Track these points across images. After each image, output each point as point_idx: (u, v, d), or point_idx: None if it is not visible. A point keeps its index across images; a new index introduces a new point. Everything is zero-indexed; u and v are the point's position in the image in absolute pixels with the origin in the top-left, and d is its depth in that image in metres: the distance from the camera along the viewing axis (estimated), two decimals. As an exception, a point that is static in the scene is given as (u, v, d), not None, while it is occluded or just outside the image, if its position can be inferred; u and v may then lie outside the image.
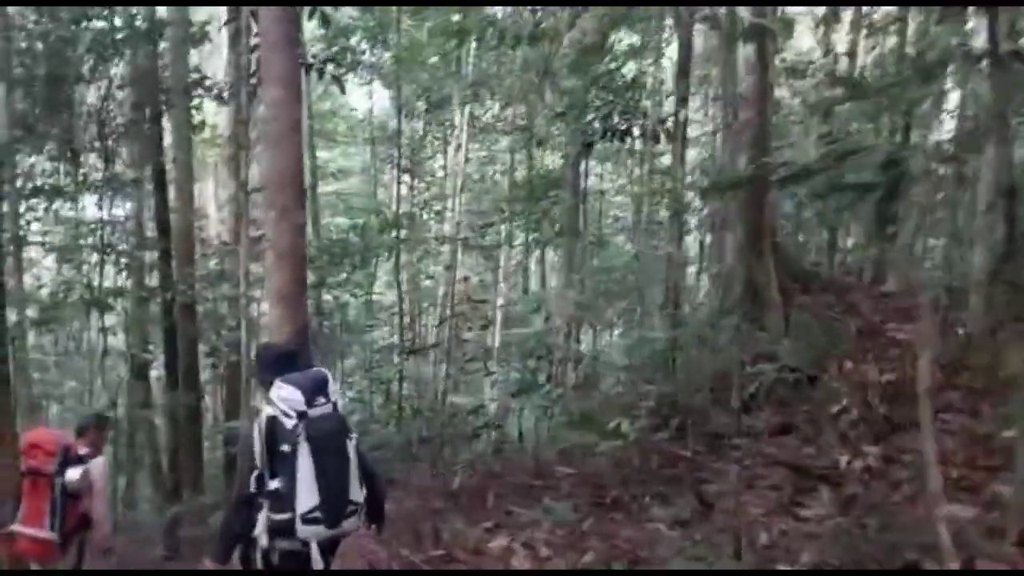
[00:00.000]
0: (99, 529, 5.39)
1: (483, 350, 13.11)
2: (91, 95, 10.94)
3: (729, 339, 7.80)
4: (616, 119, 12.35)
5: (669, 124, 11.69)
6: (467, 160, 17.96)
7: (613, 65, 12.19)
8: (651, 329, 10.07)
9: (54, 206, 11.55)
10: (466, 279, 16.43)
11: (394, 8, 14.36)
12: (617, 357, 10.70)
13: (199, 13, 12.28)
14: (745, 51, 8.68)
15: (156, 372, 14.66)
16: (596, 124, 12.96)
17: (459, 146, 17.19)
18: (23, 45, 9.52)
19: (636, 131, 12.20)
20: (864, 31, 13.60)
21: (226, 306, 14.11)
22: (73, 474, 5.15)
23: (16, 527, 5.11)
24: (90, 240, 12.25)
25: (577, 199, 13.58)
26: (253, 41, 7.83)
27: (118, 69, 10.74)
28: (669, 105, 12.45)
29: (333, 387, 3.87)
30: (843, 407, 6.84)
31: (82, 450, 5.40)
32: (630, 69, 13.04)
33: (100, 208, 11.48)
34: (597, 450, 6.52)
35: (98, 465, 5.41)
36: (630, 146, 13.57)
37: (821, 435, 6.75)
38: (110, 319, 14.47)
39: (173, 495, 11.63)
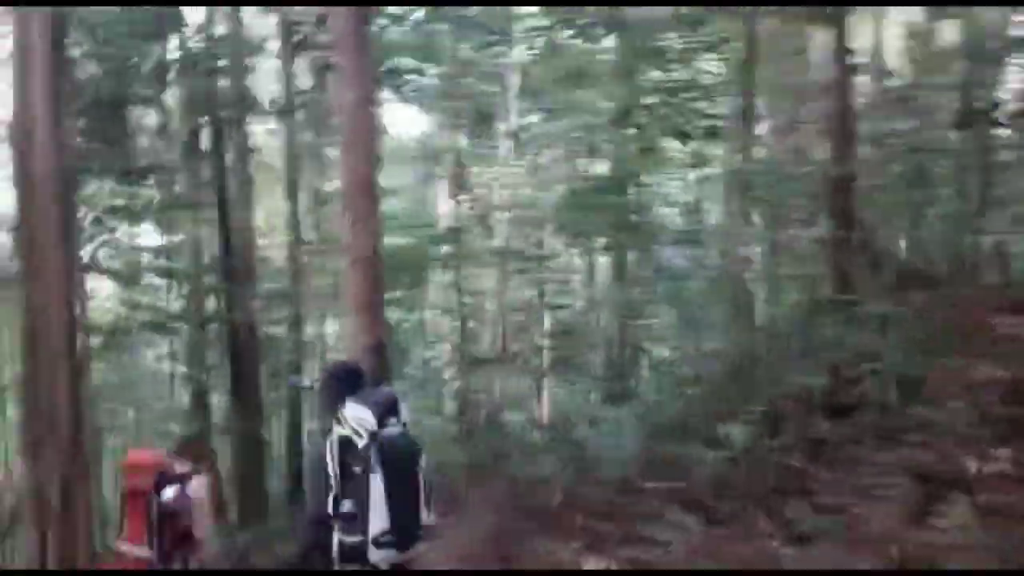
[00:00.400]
0: (202, 548, 5.25)
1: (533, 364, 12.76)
2: (149, 118, 10.81)
3: (822, 340, 7.30)
4: (673, 121, 12.01)
5: (728, 123, 11.30)
6: (516, 172, 17.72)
7: (670, 67, 11.85)
8: (714, 337, 9.52)
9: (116, 232, 11.45)
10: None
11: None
12: (688, 366, 10.14)
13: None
14: (821, 39, 8.24)
15: (216, 398, 14.49)
16: (654, 128, 12.65)
17: (507, 159, 16.92)
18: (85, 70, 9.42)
19: (696, 132, 11.84)
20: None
21: (285, 329, 13.98)
22: (169, 493, 5.08)
23: (120, 546, 5.19)
24: (151, 264, 12.13)
25: (630, 205, 13.20)
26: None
27: (175, 92, 10.60)
28: (722, 106, 12.05)
29: (404, 406, 3.74)
30: (958, 408, 6.29)
31: (180, 469, 5.30)
32: (687, 69, 12.62)
33: (161, 233, 11.29)
34: (701, 461, 6.03)
35: (199, 484, 5.30)
36: (689, 148, 13.13)
37: (938, 439, 6.18)
38: (167, 345, 14.39)
39: (240, 523, 11.37)
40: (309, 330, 14.74)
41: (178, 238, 12.46)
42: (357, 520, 3.48)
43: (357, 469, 3.50)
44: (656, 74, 11.68)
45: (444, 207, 18.78)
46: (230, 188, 11.08)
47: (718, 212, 15.25)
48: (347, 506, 3.52)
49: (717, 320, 8.72)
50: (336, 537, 3.56)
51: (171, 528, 5.16)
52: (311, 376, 13.41)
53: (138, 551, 5.19)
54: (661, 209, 17.02)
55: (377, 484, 3.45)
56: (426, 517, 3.61)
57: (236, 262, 11.34)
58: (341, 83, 6.40)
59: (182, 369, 13.88)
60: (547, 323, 15.00)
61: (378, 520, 3.44)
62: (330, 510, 3.56)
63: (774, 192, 8.80)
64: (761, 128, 11.02)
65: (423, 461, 3.64)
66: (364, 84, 6.33)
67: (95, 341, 11.33)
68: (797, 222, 8.88)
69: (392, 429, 3.59)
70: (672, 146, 15.54)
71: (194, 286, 12.32)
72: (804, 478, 5.95)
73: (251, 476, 11.33)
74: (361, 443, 3.51)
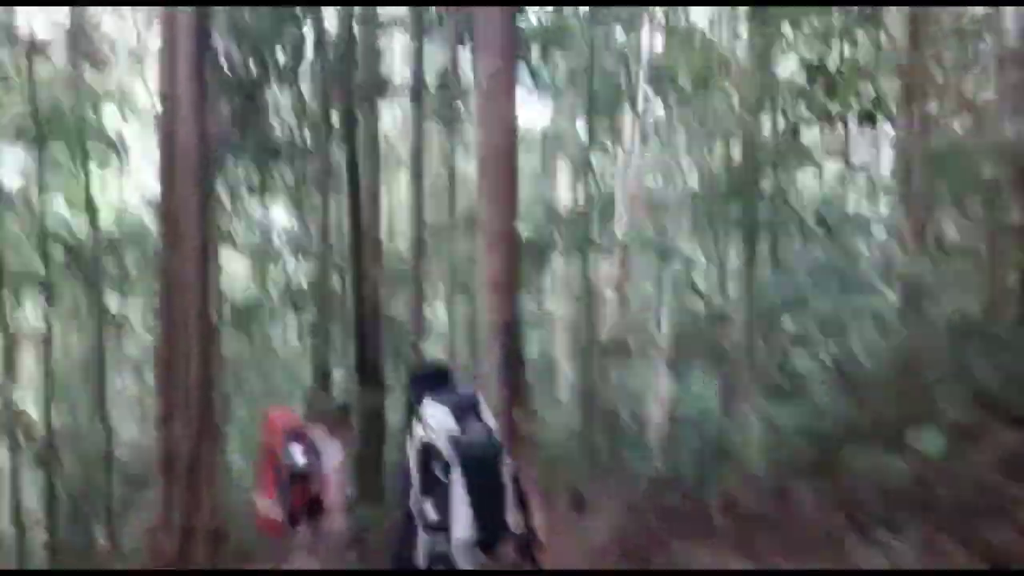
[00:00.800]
0: (330, 516, 5.19)
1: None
2: (284, 97, 10.80)
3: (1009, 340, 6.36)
4: (824, 103, 11.04)
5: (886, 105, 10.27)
6: (642, 159, 17.04)
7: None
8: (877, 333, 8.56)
9: (248, 208, 11.59)
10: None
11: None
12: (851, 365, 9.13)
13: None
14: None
15: (337, 375, 14.55)
16: (802, 110, 11.72)
17: (632, 146, 16.29)
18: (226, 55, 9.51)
19: (851, 114, 10.85)
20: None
21: (406, 309, 13.87)
22: (299, 456, 4.95)
23: (256, 499, 5.21)
24: (283, 240, 12.22)
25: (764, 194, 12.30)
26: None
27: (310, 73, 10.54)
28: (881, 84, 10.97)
29: (486, 407, 3.61)
30: None
31: (315, 434, 5.20)
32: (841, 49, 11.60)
33: (293, 212, 11.29)
34: (880, 469, 5.28)
35: (332, 453, 5.11)
36: (838, 132, 12.11)
37: None
38: (295, 322, 14.54)
39: (358, 498, 11.26)
40: (429, 312, 14.61)
41: (308, 217, 12.45)
42: (440, 523, 3.40)
43: (438, 472, 3.41)
44: (802, 53, 10.70)
45: (568, 194, 18.33)
46: (361, 169, 10.90)
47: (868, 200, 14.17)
48: (430, 509, 3.43)
49: (880, 314, 7.88)
50: (422, 539, 3.47)
51: (300, 491, 5.06)
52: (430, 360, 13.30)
53: (270, 508, 5.16)
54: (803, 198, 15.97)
55: (458, 487, 3.34)
56: (514, 520, 3.48)
57: (364, 242, 11.19)
58: (480, 54, 6.00)
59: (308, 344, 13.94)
60: (675, 314, 14.29)
61: (461, 524, 3.35)
62: (414, 512, 3.48)
63: (955, 176, 7.81)
64: (930, 108, 9.94)
65: (507, 463, 3.50)
66: (504, 54, 5.91)
67: (228, 314, 11.51)
68: (981, 208, 7.86)
69: (472, 431, 3.45)
70: (812, 134, 14.60)
71: (322, 264, 12.28)
72: (1001, 495, 5.11)
73: (371, 454, 11.18)
74: (440, 445, 3.41)
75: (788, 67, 13.63)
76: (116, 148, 15.41)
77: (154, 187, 18.46)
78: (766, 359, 8.03)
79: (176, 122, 7.85)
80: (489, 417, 3.57)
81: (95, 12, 14.88)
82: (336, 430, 5.46)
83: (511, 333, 5.95)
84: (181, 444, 7.53)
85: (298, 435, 5.04)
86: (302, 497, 5.10)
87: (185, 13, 7.87)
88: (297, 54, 10.52)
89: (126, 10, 16.53)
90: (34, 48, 12.59)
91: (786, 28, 12.70)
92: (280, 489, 5.04)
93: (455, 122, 12.26)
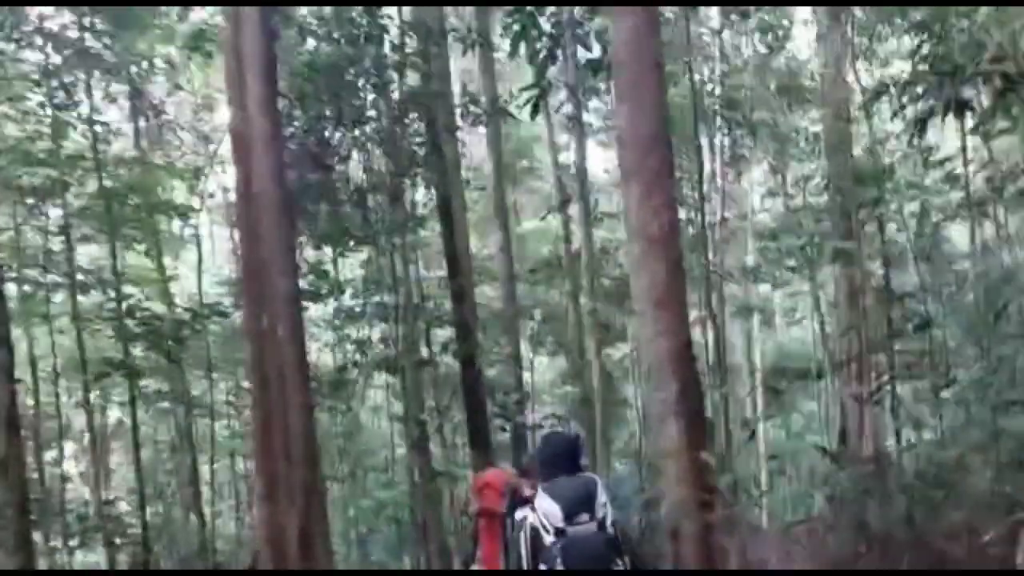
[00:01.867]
0: None
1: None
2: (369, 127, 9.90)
3: None
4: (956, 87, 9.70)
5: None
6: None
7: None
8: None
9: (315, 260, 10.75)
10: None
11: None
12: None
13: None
14: None
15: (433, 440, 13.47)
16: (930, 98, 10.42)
17: (713, 173, 15.23)
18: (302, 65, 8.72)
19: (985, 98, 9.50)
20: None
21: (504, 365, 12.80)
22: (520, 514, 4.07)
23: (476, 567, 5.06)
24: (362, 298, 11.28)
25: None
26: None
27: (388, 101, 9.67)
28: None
29: (601, 499, 3.29)
30: None
31: (527, 492, 4.75)
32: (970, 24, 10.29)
33: (391, 257, 10.23)
34: None
35: None
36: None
37: None
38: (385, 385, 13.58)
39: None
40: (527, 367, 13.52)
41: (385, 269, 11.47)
42: None
43: (543, 565, 3.21)
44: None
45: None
46: (451, 205, 9.97)
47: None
48: None
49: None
50: None
51: None
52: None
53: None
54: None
55: None
56: None
57: (466, 296, 10.16)
58: (617, 23, 4.96)
59: (401, 411, 12.90)
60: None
61: None
62: None
63: None
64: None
65: (622, 562, 3.20)
66: (647, 22, 4.89)
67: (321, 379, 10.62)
68: None
69: (582, 527, 3.20)
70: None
71: (411, 323, 11.27)
72: None
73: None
74: (548, 539, 3.21)
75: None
76: (190, 230, 15.04)
77: (227, 268, 18.41)
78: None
79: (251, 153, 7.03)
80: (605, 509, 3.26)
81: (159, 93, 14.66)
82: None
83: (686, 359, 4.79)
84: (288, 521, 6.48)
85: (516, 493, 4.84)
86: None
87: (253, 40, 7.11)
88: (379, 75, 9.56)
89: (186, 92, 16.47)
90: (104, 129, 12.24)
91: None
92: (505, 551, 4.95)
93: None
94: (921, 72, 9.67)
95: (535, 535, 3.26)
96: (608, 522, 3.25)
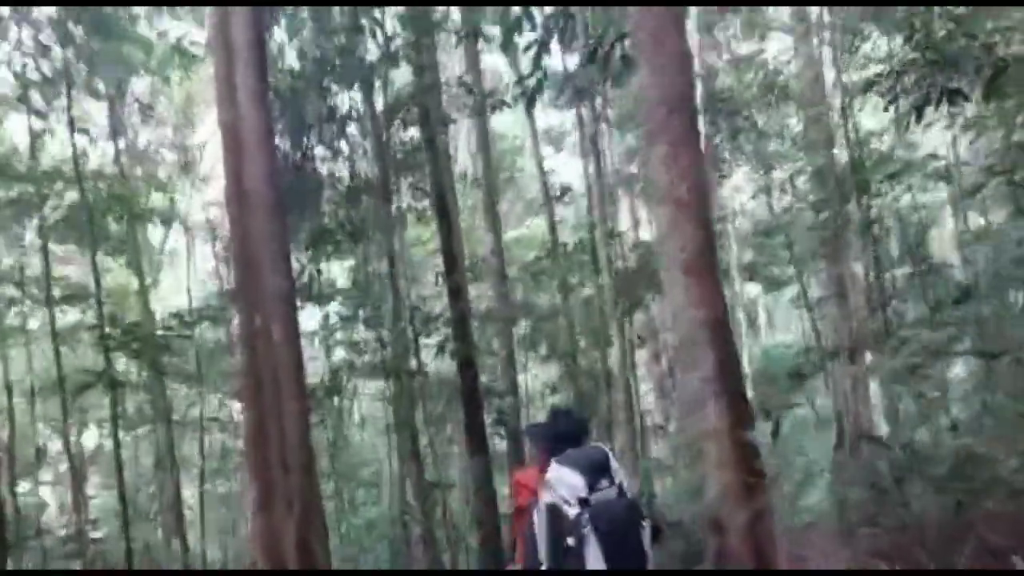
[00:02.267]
0: None
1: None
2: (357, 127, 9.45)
3: None
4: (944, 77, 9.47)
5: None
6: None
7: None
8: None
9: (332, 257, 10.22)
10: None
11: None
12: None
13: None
14: None
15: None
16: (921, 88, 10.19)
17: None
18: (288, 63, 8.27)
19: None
20: None
21: (497, 370, 12.30)
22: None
23: (512, 566, 4.42)
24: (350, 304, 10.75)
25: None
26: None
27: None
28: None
29: (616, 465, 3.18)
30: None
31: None
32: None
33: (381, 259, 9.73)
34: None
35: None
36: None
37: None
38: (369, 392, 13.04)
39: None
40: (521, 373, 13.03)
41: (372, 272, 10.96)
42: None
43: (571, 541, 3.01)
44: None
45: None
46: (447, 199, 9.49)
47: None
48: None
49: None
50: None
51: None
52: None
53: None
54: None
55: (595, 557, 2.96)
56: None
57: (462, 297, 9.67)
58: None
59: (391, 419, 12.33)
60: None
61: None
62: None
63: None
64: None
65: (647, 527, 3.09)
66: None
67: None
68: None
69: (605, 492, 3.08)
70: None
71: (399, 327, 10.73)
72: None
73: (488, 524, 9.47)
74: (572, 512, 3.03)
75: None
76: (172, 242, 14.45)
77: (211, 283, 17.84)
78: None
79: (242, 148, 6.57)
80: (621, 475, 3.16)
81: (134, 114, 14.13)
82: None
83: (723, 331, 4.36)
84: (285, 531, 5.94)
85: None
86: None
87: (244, 31, 6.70)
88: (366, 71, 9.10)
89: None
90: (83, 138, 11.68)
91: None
92: None
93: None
94: (912, 61, 9.48)
95: (554, 512, 3.06)
96: (626, 486, 3.16)
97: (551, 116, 19.08)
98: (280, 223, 6.97)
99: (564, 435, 3.35)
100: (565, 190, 11.57)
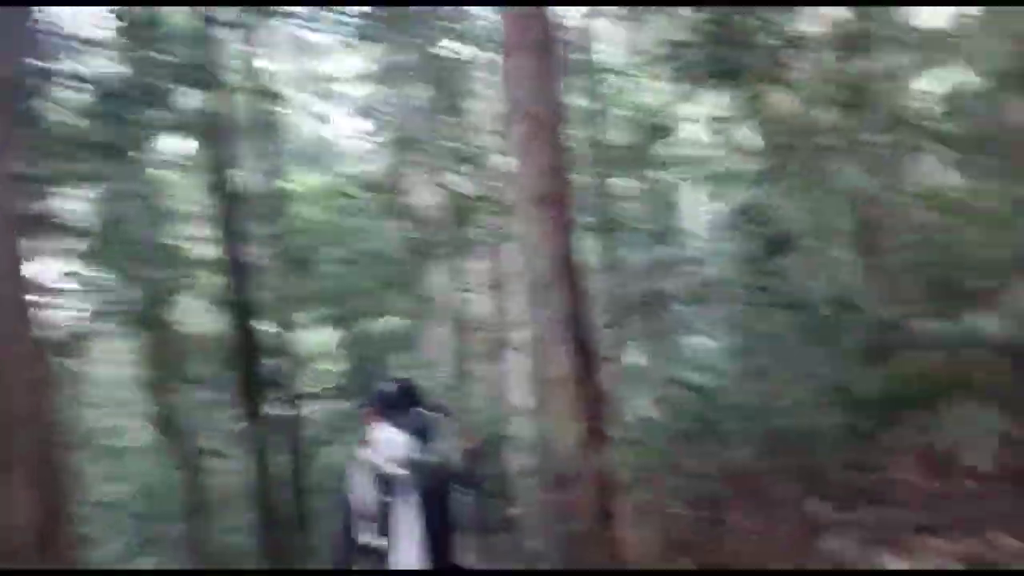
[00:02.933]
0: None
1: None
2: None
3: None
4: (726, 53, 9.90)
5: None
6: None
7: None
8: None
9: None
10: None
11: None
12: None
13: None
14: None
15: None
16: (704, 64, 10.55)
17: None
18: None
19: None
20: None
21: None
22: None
23: None
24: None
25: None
26: None
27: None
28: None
29: (441, 430, 3.19)
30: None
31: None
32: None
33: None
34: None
35: None
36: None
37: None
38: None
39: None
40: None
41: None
42: (386, 555, 3.00)
43: (387, 499, 3.02)
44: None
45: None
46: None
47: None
48: (373, 536, 3.03)
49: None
50: (361, 566, 3.06)
51: None
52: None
53: None
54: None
55: (406, 518, 2.99)
56: (462, 552, 3.08)
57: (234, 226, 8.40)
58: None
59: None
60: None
61: (406, 557, 2.97)
62: (356, 542, 3.06)
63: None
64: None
65: (464, 491, 3.14)
66: None
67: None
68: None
69: (425, 455, 3.10)
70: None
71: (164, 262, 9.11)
72: None
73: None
74: (390, 471, 3.04)
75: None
76: None
77: None
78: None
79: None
80: (444, 442, 3.20)
81: None
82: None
83: (577, 269, 3.91)
84: (17, 514, 4.60)
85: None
86: None
87: None
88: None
89: None
90: None
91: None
92: None
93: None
94: (702, 36, 9.79)
95: (373, 471, 3.06)
96: (449, 451, 3.18)
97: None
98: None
99: (392, 397, 3.32)
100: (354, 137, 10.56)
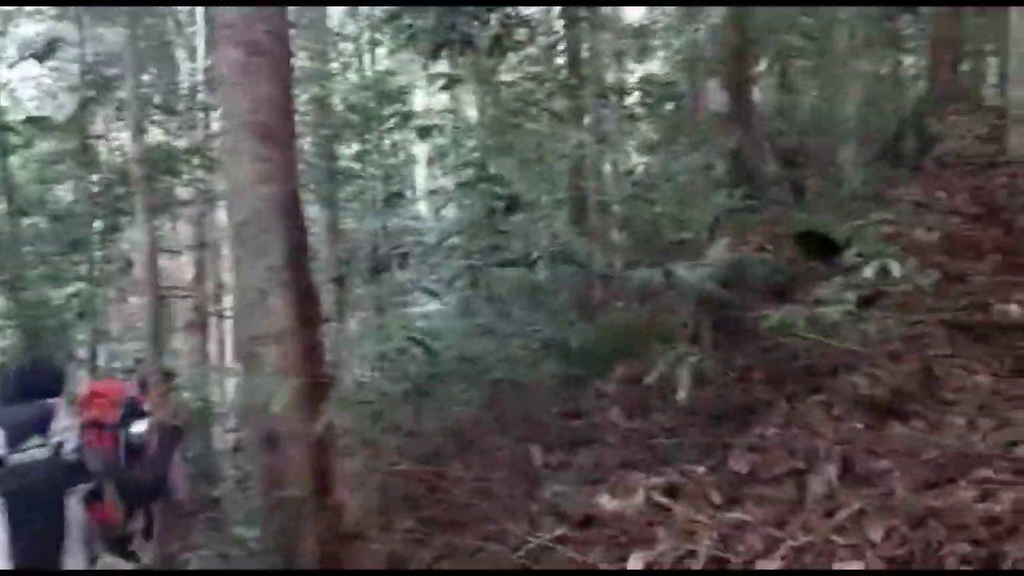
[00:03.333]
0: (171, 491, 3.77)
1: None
2: None
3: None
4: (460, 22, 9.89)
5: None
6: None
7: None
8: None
9: None
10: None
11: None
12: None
13: None
14: None
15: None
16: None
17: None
18: None
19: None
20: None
21: None
22: (139, 427, 3.57)
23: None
24: None
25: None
26: None
27: None
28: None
29: (62, 424, 2.91)
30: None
31: (145, 405, 3.87)
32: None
33: None
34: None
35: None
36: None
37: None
38: None
39: None
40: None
41: None
42: None
43: None
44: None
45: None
46: None
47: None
48: None
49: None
50: None
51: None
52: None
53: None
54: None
55: None
56: (73, 564, 2.83)
57: None
58: None
59: None
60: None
61: None
62: None
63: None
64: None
65: (80, 493, 2.87)
66: None
67: None
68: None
69: (31, 452, 2.82)
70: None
71: None
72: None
73: None
74: None
75: None
76: None
77: None
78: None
79: None
80: (63, 433, 2.88)
81: None
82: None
83: (297, 212, 3.52)
84: None
85: (135, 404, 3.70)
86: None
87: None
88: None
89: None
90: None
91: None
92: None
93: None
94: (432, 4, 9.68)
95: None
96: (71, 446, 2.88)
97: None
98: None
99: (13, 389, 3.04)
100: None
